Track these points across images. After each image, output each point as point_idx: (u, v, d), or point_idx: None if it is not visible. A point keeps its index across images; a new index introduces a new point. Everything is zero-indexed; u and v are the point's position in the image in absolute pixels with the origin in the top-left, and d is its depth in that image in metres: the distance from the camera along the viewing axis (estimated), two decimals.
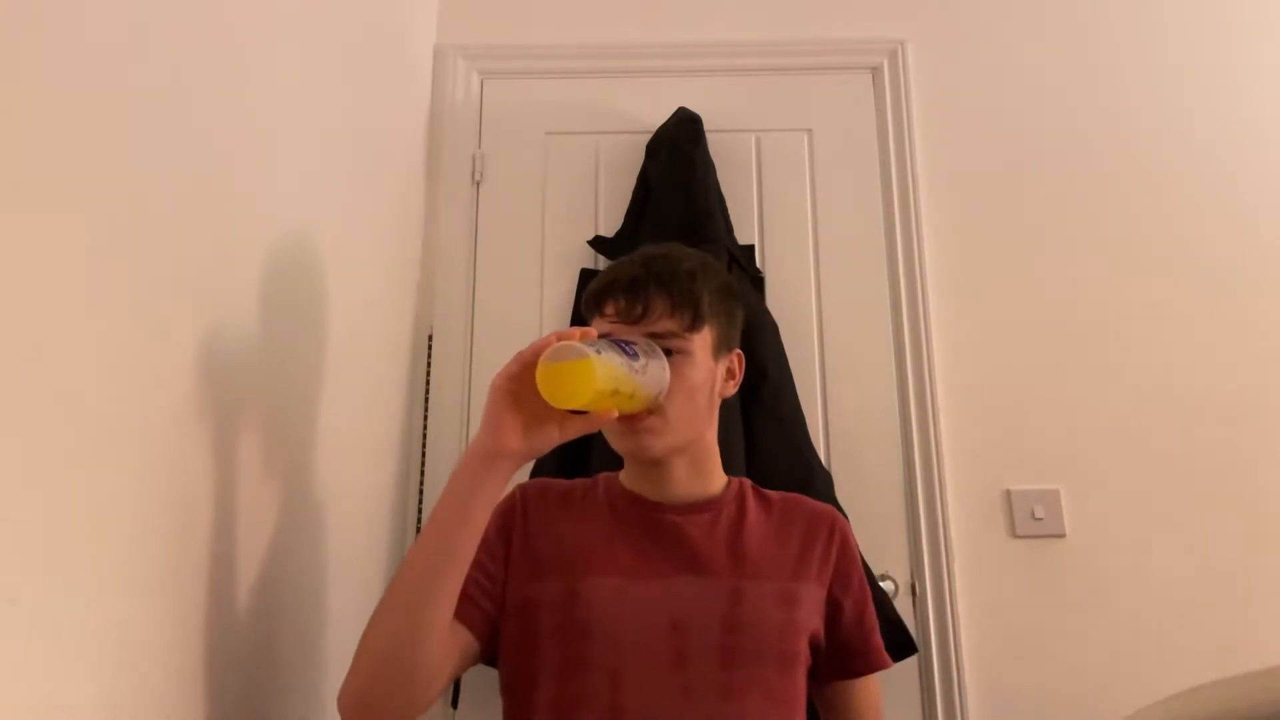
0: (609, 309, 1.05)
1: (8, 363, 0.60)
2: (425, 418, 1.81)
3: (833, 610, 1.07)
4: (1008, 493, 1.76)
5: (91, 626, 0.70)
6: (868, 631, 1.10)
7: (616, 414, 0.92)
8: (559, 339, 0.87)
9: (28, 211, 0.63)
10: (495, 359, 1.87)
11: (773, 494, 1.14)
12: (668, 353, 1.01)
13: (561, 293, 1.87)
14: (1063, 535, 1.73)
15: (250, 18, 1.02)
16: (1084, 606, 1.69)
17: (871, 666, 1.10)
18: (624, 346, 0.94)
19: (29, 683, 0.62)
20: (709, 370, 1.06)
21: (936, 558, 1.71)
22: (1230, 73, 2.02)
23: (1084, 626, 1.68)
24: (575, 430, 0.94)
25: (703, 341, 1.05)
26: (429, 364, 1.84)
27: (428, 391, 1.82)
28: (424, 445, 1.79)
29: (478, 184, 1.97)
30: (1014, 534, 1.74)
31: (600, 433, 1.53)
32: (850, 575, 1.10)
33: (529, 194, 1.95)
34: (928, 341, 1.83)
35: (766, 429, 1.63)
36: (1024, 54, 2.04)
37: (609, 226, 1.90)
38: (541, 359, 0.88)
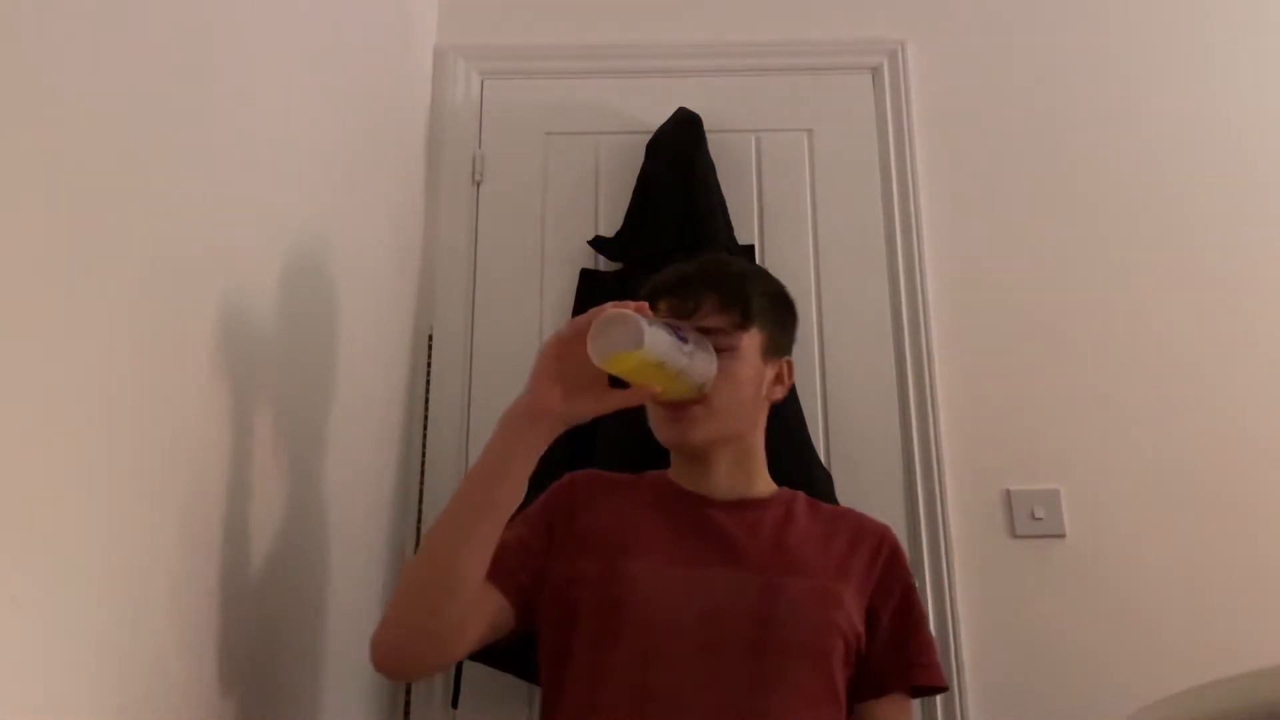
0: (662, 306, 1.08)
1: (11, 364, 0.60)
2: (425, 418, 1.80)
3: (871, 621, 1.06)
4: (1008, 493, 1.75)
5: (93, 624, 0.70)
6: (907, 647, 1.07)
7: (658, 389, 0.96)
8: (614, 308, 0.91)
9: (31, 214, 0.63)
10: (495, 359, 1.88)
11: (826, 506, 1.16)
12: (718, 350, 1.04)
13: (561, 293, 1.86)
14: (1063, 535, 1.73)
15: (250, 18, 1.02)
16: (1084, 606, 1.69)
17: (907, 682, 1.07)
18: (675, 330, 0.97)
19: (29, 682, 0.62)
20: (756, 370, 1.09)
21: (936, 558, 1.71)
22: (1234, 73, 2.01)
23: (1084, 626, 1.67)
24: (616, 402, 0.97)
25: (751, 341, 1.09)
26: (429, 364, 1.84)
27: (428, 391, 1.82)
28: (424, 445, 1.78)
29: (478, 184, 1.96)
30: (1014, 534, 1.73)
31: (603, 432, 1.54)
32: (892, 588, 1.08)
33: (529, 194, 1.95)
34: (928, 341, 1.83)
35: (766, 429, 1.62)
36: (1024, 54, 2.04)
37: (609, 226, 1.90)
38: (594, 324, 0.91)
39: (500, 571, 1.01)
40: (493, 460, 0.96)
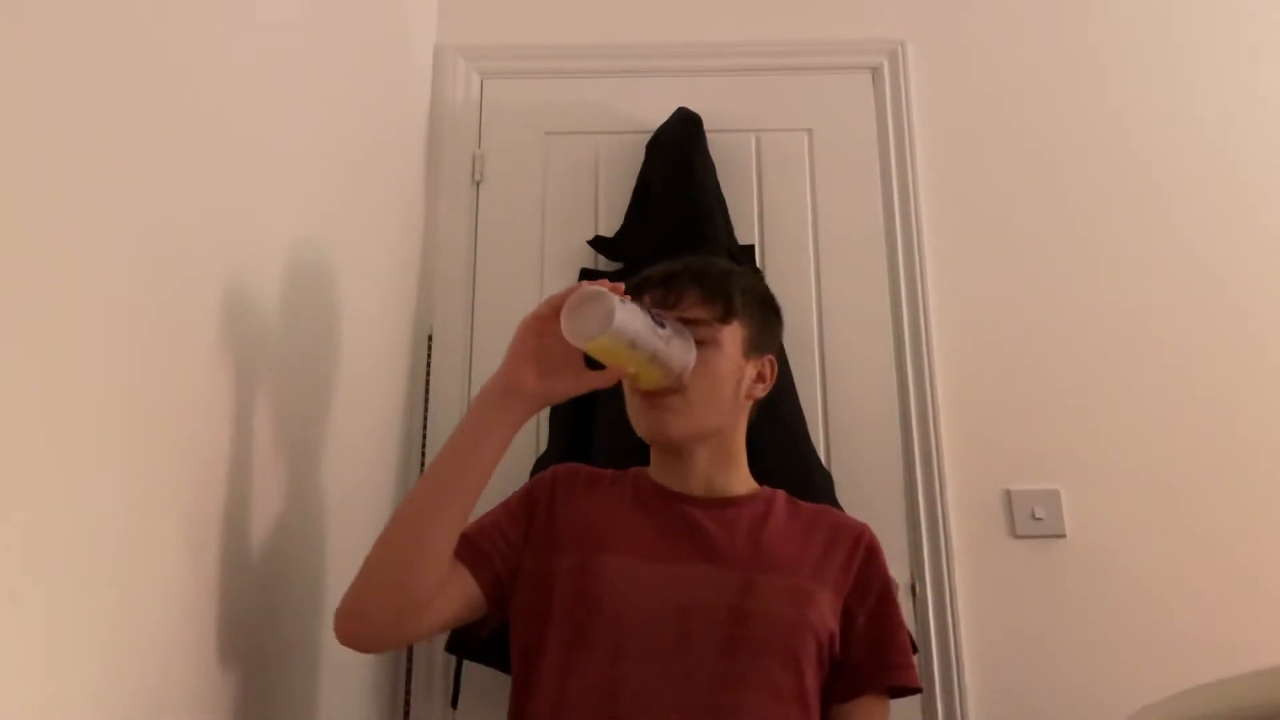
0: (646, 299, 1.09)
1: (12, 366, 0.60)
2: (425, 418, 1.80)
3: (846, 621, 1.05)
4: (1008, 493, 1.75)
5: (93, 623, 0.70)
6: (883, 648, 1.06)
7: (630, 370, 0.97)
8: (588, 285, 0.93)
9: (34, 211, 0.63)
10: (495, 359, 1.84)
11: (806, 505, 1.15)
12: (699, 343, 1.05)
13: None
14: (1063, 535, 1.73)
15: (251, 18, 1.02)
16: (1084, 606, 1.69)
17: (883, 683, 1.06)
18: (653, 315, 0.98)
19: (29, 682, 0.62)
20: (737, 364, 1.09)
21: (936, 558, 1.71)
22: (1235, 72, 2.01)
23: (1084, 626, 1.68)
24: (591, 382, 0.98)
25: (732, 335, 1.09)
26: (429, 364, 1.84)
27: (428, 391, 1.82)
28: (424, 445, 1.79)
29: (478, 184, 1.96)
30: (1014, 534, 1.73)
31: (602, 423, 1.52)
32: (869, 588, 1.07)
33: (529, 194, 1.95)
34: (928, 341, 1.83)
35: (766, 429, 1.62)
36: (1024, 54, 2.04)
37: (609, 226, 1.90)
38: (568, 301, 0.93)
39: (473, 555, 1.02)
40: (464, 436, 0.97)
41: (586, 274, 1.85)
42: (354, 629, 0.95)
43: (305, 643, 1.17)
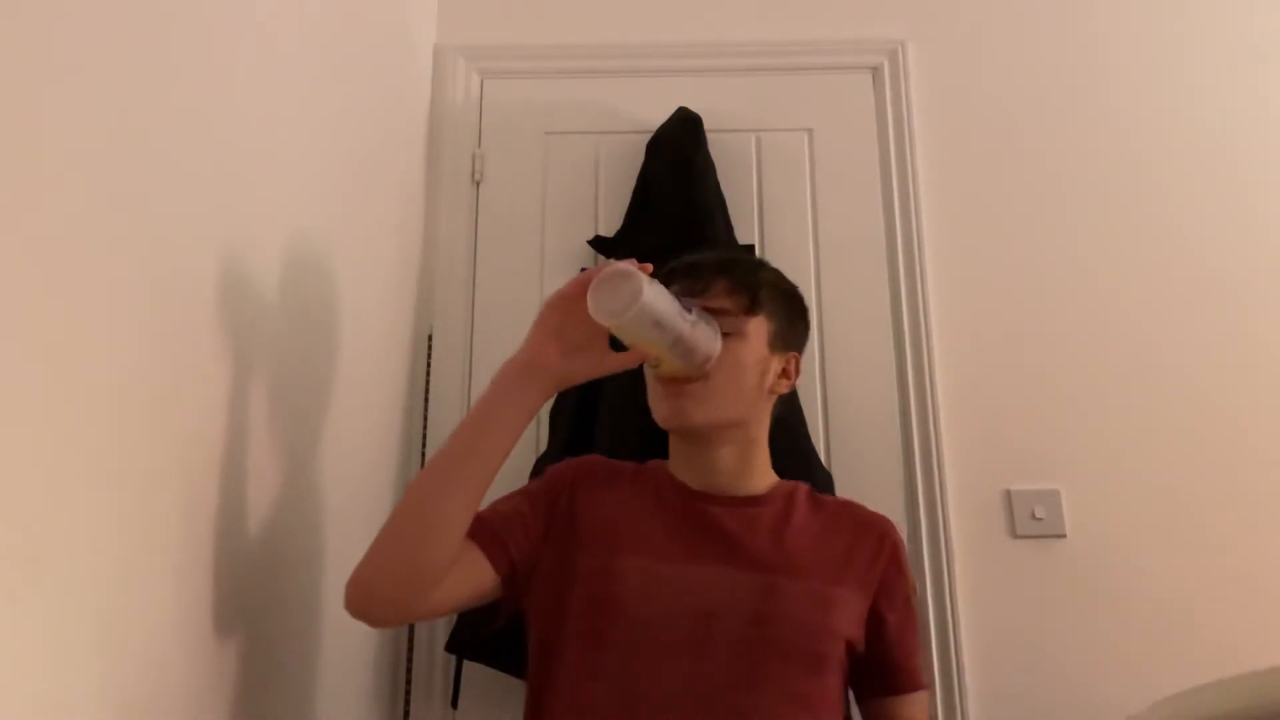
0: (673, 288, 1.07)
1: (11, 367, 0.60)
2: (425, 418, 1.80)
3: (875, 622, 1.06)
4: (1008, 493, 1.75)
5: (92, 622, 0.70)
6: (909, 649, 1.09)
7: (654, 353, 0.96)
8: (617, 263, 0.92)
9: (34, 209, 0.62)
10: (495, 359, 1.84)
11: (828, 499, 1.15)
12: (724, 334, 1.04)
13: None
14: (1063, 535, 1.72)
15: (250, 18, 1.02)
16: (1084, 606, 1.69)
17: (906, 686, 1.08)
18: (680, 300, 0.97)
19: (29, 682, 0.62)
20: (761, 357, 1.08)
21: (936, 558, 1.71)
22: (1235, 72, 2.01)
23: (1084, 626, 1.67)
24: (614, 364, 0.97)
25: (758, 327, 1.08)
26: (429, 364, 1.84)
27: (428, 391, 1.82)
28: (424, 445, 1.79)
29: (478, 184, 1.96)
30: (1014, 534, 1.73)
31: (605, 424, 1.51)
32: (897, 588, 1.08)
33: (529, 194, 1.95)
34: (928, 341, 1.83)
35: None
36: (1025, 53, 2.04)
37: (609, 226, 1.90)
38: (595, 278, 0.92)
39: (489, 538, 1.01)
40: (482, 410, 0.96)
41: None
42: (362, 601, 0.94)
43: (304, 643, 1.17)
